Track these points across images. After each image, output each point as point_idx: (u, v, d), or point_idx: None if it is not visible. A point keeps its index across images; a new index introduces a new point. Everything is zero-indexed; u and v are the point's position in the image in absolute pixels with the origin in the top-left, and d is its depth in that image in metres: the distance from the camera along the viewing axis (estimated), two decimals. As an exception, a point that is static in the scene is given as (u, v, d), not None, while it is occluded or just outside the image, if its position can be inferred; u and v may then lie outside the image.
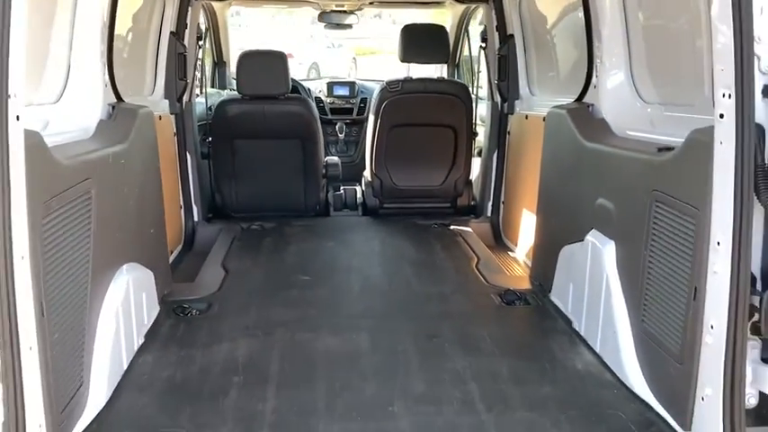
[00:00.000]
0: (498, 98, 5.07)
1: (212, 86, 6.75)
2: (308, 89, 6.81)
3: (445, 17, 6.56)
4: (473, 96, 5.39)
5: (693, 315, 2.24)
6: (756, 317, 2.06)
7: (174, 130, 4.82)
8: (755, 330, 2.09)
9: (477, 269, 4.17)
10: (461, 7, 5.80)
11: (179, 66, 4.65)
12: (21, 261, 1.91)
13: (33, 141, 2.04)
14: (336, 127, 6.83)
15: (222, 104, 5.08)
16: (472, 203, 5.49)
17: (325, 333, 3.17)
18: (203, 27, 5.91)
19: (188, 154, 4.96)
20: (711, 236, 2.13)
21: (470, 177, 5.49)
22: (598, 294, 2.97)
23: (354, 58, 20.89)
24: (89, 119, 3.06)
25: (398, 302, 3.64)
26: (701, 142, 2.19)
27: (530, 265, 4.17)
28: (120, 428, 2.41)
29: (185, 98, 4.86)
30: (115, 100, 3.35)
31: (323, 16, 6.26)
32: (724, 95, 2.02)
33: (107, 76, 3.25)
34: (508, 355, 2.99)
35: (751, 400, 2.14)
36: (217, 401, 2.58)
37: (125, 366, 2.81)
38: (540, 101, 4.62)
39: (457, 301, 3.63)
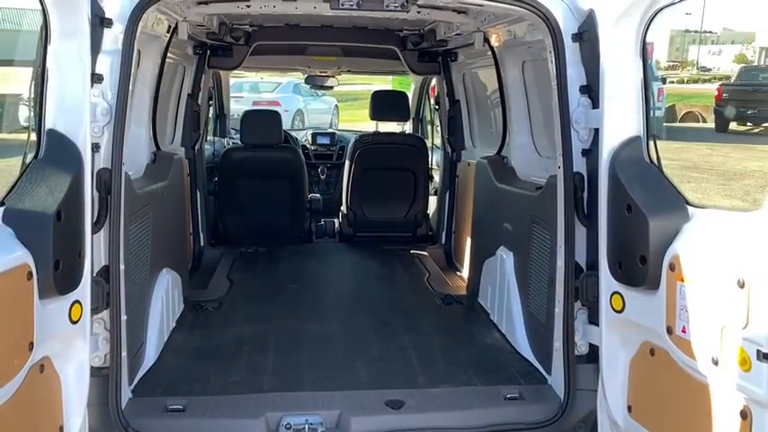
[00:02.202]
0: (449, 149, 6.34)
1: (214, 135, 7.98)
2: (296, 138, 8.09)
3: (409, 82, 7.92)
4: (429, 146, 6.69)
5: (550, 295, 3.44)
6: (584, 293, 3.27)
7: (188, 171, 6.01)
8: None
9: (428, 282, 5.37)
10: (421, 77, 7.14)
11: (194, 121, 5.85)
12: (121, 252, 3.07)
13: (127, 178, 3.23)
14: (319, 170, 8.09)
15: (228, 152, 6.32)
16: (429, 233, 6.71)
17: (309, 321, 4.33)
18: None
19: (198, 190, 6.14)
20: (558, 243, 3.34)
21: (428, 212, 6.74)
22: (503, 292, 4.18)
23: (336, 106, 22.30)
24: (140, 162, 4.23)
25: (363, 303, 4.82)
26: (552, 183, 3.43)
27: (468, 278, 5.38)
28: (168, 374, 3.53)
29: (197, 146, 6.06)
30: (155, 148, 4.54)
31: (309, 79, 7.60)
32: (560, 154, 3.27)
33: (151, 131, 4.45)
34: (440, 335, 4.17)
35: (582, 349, 3.31)
36: (233, 360, 3.73)
37: (165, 338, 3.95)
38: (479, 152, 5.88)
39: (408, 302, 4.82)
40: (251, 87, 20.87)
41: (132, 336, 3.29)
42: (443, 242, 6.52)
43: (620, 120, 2.91)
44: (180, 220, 4.69)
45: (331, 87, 7.72)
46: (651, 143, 2.87)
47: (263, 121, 6.23)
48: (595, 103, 3.16)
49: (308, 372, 3.60)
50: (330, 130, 8.68)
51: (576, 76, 3.20)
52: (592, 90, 3.18)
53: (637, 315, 2.79)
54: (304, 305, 4.70)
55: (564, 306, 3.24)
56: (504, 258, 4.20)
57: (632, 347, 2.86)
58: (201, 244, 6.20)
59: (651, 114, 2.84)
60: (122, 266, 3.08)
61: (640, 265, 2.66)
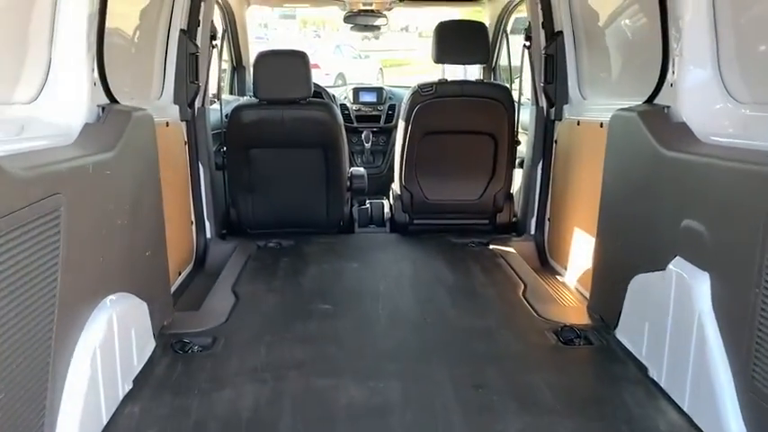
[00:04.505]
0: (544, 102, 4.52)
1: (231, 93, 6.31)
2: (333, 95, 6.32)
3: (481, 16, 6.04)
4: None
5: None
6: None
7: (185, 139, 4.36)
8: None
9: (525, 298, 3.61)
10: (500, 3, 5.26)
11: (190, 67, 4.19)
12: None
13: None
14: (362, 135, 6.32)
15: (237, 110, 4.59)
16: (513, 220, 4.93)
17: (348, 379, 2.64)
18: (220, 28, 5.49)
19: (200, 165, 4.50)
20: None
21: (511, 191, 4.93)
22: (686, 338, 2.40)
23: (381, 69, 20.53)
24: (72, 122, 2.58)
25: (435, 339, 3.09)
26: None
27: (586, 293, 3.60)
28: None
29: (197, 103, 4.40)
30: (107, 101, 2.88)
31: (349, 18, 5.79)
32: None
33: (96, 74, 2.78)
34: (572, 411, 2.42)
35: None
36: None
37: (105, 421, 2.32)
38: (594, 104, 4.07)
39: (504, 339, 3.07)
40: (287, 49, 19.31)
41: None
42: (533, 233, 4.75)
43: None
44: (149, 212, 3.03)
45: (378, 28, 5.90)
46: None
47: (284, 65, 4.46)
48: None
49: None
50: (377, 85, 6.85)
51: None
52: None
53: None
54: (340, 344, 3.01)
55: None
56: (688, 281, 2.40)
57: None
58: (208, 236, 4.60)
59: None
60: None
61: None
